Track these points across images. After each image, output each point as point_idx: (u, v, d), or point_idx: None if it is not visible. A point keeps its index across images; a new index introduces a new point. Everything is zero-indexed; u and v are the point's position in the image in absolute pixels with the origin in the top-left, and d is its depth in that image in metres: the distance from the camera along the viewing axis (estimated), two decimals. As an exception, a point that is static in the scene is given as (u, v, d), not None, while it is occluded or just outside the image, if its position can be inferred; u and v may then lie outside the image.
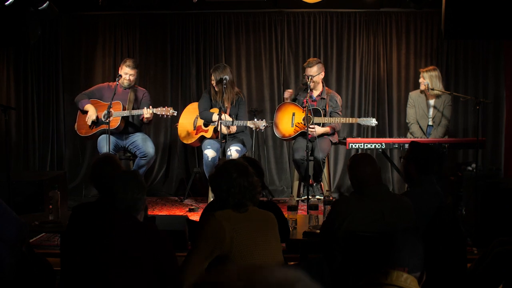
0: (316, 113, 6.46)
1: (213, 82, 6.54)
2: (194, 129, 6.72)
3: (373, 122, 6.46)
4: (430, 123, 6.63)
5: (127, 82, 6.58)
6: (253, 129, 6.36)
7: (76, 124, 6.79)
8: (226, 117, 6.36)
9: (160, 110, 6.38)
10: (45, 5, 5.77)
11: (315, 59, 6.72)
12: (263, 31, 7.93)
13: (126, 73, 6.56)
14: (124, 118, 6.52)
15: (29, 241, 3.97)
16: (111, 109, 6.21)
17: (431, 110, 6.62)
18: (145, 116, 6.39)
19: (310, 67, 6.56)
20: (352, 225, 3.49)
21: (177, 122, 6.99)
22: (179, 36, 7.99)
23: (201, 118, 6.71)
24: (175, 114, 6.48)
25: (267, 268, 0.90)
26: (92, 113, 6.51)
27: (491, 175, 6.04)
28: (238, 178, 3.02)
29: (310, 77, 6.49)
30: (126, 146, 6.68)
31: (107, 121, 6.26)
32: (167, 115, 6.42)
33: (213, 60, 7.95)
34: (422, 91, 6.62)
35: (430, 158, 4.12)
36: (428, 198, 3.89)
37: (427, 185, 4.00)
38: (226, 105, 6.56)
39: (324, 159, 6.48)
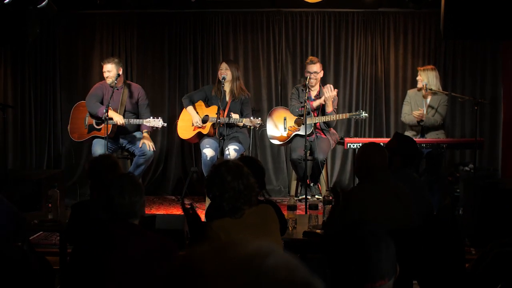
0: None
1: (220, 71, 6.56)
2: (192, 125, 6.72)
3: (363, 114, 6.47)
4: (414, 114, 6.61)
5: (110, 80, 6.45)
6: (249, 126, 6.37)
7: (69, 126, 6.76)
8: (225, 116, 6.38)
9: (151, 122, 6.39)
10: (44, 3, 5.76)
11: (317, 57, 6.79)
12: (261, 30, 7.93)
13: (106, 70, 6.48)
14: (116, 125, 6.44)
15: (29, 239, 3.98)
16: (108, 114, 6.18)
17: (427, 107, 6.63)
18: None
19: (314, 63, 6.61)
20: (374, 213, 3.46)
21: (177, 119, 6.99)
22: (177, 35, 7.98)
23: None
24: (165, 125, 6.52)
25: (240, 243, 0.91)
26: (118, 119, 6.37)
27: (489, 175, 6.06)
28: (232, 182, 2.86)
29: (313, 73, 6.51)
30: (123, 145, 6.65)
31: (99, 127, 6.26)
32: (156, 127, 6.46)
33: (211, 60, 7.95)
34: (419, 89, 6.63)
35: (416, 153, 4.22)
36: (410, 189, 3.90)
37: (406, 176, 4.08)
38: (227, 99, 6.56)
39: (324, 161, 6.49)
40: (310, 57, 6.82)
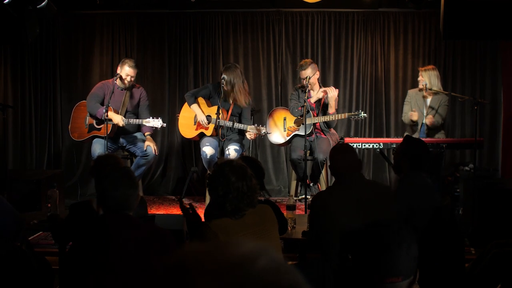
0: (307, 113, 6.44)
1: (222, 81, 6.44)
2: (194, 124, 6.68)
3: (362, 115, 6.45)
4: (425, 121, 6.63)
5: (128, 83, 6.46)
6: (255, 134, 6.28)
7: (69, 126, 6.75)
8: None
9: (150, 122, 6.37)
10: (43, 3, 5.76)
11: (307, 60, 6.65)
12: (261, 30, 7.94)
13: (128, 74, 6.41)
14: (116, 125, 6.40)
15: (28, 239, 3.98)
16: (107, 115, 6.17)
17: (427, 108, 6.63)
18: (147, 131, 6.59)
19: (304, 69, 6.50)
20: (336, 217, 3.46)
21: (178, 113, 6.95)
22: (176, 35, 7.98)
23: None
24: (164, 126, 6.48)
25: (233, 244, 0.91)
26: (118, 120, 6.34)
27: (489, 175, 6.06)
28: (236, 182, 2.87)
29: (307, 78, 6.45)
30: (124, 146, 6.64)
31: (99, 127, 6.26)
32: (156, 128, 6.44)
33: (210, 60, 7.96)
34: (420, 90, 6.63)
35: (424, 155, 4.16)
36: (420, 192, 3.90)
37: (418, 179, 4.03)
38: (230, 101, 6.51)
39: (324, 161, 6.47)
40: (301, 61, 6.69)
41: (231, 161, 3.09)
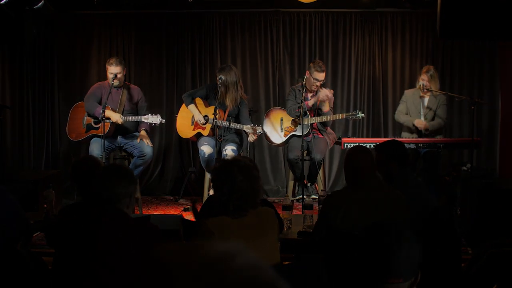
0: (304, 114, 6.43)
1: (218, 82, 6.43)
2: (192, 124, 6.67)
3: (360, 115, 6.46)
4: (417, 125, 6.60)
5: (117, 81, 6.42)
6: (251, 134, 6.27)
7: (67, 127, 6.75)
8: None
9: (149, 118, 6.35)
10: (40, 4, 5.76)
11: (323, 63, 6.68)
12: (259, 30, 7.93)
13: (112, 72, 6.38)
14: (114, 123, 6.40)
15: (29, 239, 3.97)
16: (104, 114, 6.15)
17: (424, 108, 6.63)
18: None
19: (323, 72, 6.50)
20: (347, 218, 3.47)
21: (177, 113, 6.94)
22: (174, 36, 7.98)
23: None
24: (163, 122, 6.47)
25: (209, 243, 0.92)
26: (117, 118, 6.32)
27: (486, 175, 6.06)
28: (242, 183, 2.86)
29: (320, 81, 6.47)
30: (122, 146, 6.63)
31: (97, 126, 6.25)
32: (155, 124, 6.42)
33: (208, 60, 7.96)
34: (417, 89, 6.63)
35: (404, 150, 4.21)
36: (415, 191, 3.92)
37: (410, 178, 4.06)
38: (227, 103, 6.49)
39: (322, 161, 6.47)
40: (319, 62, 6.63)
41: (239, 160, 3.07)
